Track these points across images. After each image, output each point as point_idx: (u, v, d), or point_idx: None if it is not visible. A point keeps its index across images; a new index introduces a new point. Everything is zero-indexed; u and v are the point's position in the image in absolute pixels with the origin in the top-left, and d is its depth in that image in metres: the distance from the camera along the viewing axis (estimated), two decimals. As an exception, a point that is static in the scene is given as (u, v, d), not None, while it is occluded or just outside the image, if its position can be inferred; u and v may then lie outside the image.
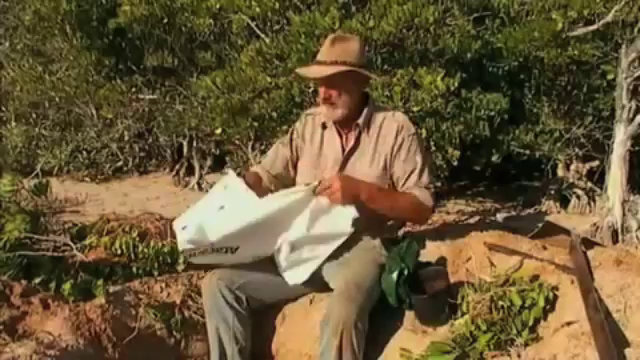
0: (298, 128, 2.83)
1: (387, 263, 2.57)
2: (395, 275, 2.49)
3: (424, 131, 3.68)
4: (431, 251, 2.93)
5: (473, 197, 5.14)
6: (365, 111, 2.67)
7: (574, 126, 4.34)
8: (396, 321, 2.62)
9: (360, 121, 2.66)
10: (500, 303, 2.29)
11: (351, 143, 2.68)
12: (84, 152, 5.74)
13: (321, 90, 2.62)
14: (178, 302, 2.85)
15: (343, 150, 2.70)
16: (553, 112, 4.36)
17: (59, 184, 5.22)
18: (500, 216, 4.49)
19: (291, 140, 2.84)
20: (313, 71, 2.64)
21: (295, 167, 2.85)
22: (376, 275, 2.58)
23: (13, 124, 5.84)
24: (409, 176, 2.65)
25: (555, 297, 2.30)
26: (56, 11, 5.26)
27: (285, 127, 3.92)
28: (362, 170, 2.66)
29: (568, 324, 2.15)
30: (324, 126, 2.75)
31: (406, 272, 2.49)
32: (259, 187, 2.72)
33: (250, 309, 2.69)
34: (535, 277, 2.40)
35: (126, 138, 5.73)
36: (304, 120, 2.84)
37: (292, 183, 2.80)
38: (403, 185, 2.66)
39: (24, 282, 2.79)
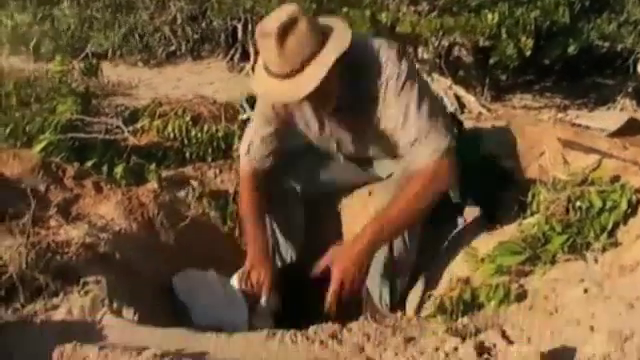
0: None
1: None
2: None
3: (496, 16, 3.40)
4: (499, 145, 2.75)
5: (540, 92, 4.87)
6: (341, 85, 2.09)
7: (663, 16, 3.96)
8: (459, 218, 2.50)
9: (338, 102, 2.15)
10: (578, 204, 2.11)
11: (334, 121, 2.27)
12: (137, 35, 5.62)
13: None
14: (232, 191, 2.77)
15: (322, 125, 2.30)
16: (640, 0, 3.98)
17: (112, 68, 5.15)
18: (571, 113, 4.24)
19: (276, 116, 2.33)
20: (282, 93, 2.01)
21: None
22: None
23: (65, 4, 5.73)
24: (400, 129, 2.09)
25: (638, 201, 2.10)
26: None
27: (345, 9, 3.67)
28: (363, 128, 2.26)
29: (654, 230, 1.97)
30: None
31: (468, 166, 2.32)
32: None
33: (304, 199, 2.58)
34: (616, 178, 2.20)
35: (179, 21, 5.56)
36: None
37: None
38: (401, 140, 2.11)
39: (77, 164, 2.75)
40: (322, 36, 1.97)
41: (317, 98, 2.01)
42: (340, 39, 1.98)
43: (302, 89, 1.95)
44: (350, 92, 2.12)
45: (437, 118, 2.09)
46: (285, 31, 1.90)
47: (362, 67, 2.09)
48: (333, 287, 1.98)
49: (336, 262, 2.01)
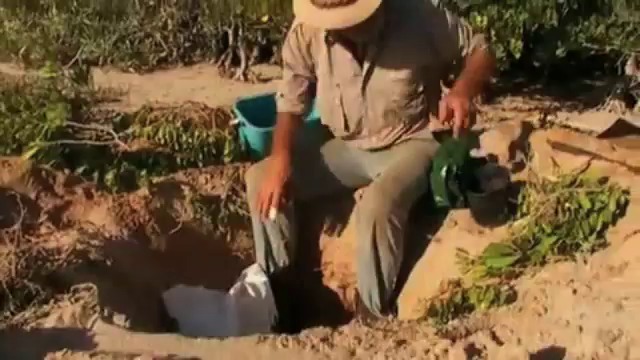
0: (300, 46, 2.49)
1: (434, 161, 2.40)
2: (444, 172, 2.33)
3: (485, 19, 3.41)
4: (488, 148, 2.76)
5: (530, 94, 4.88)
6: (383, 20, 2.33)
7: (651, 18, 3.98)
8: (450, 220, 2.51)
9: (378, 32, 2.35)
10: (567, 205, 2.13)
11: (371, 55, 2.39)
12: (127, 42, 5.60)
13: (349, 31, 2.24)
14: (223, 197, 2.77)
15: (360, 62, 2.43)
16: (628, 2, 3.99)
17: (103, 74, 5.13)
18: (560, 115, 4.25)
19: (297, 62, 2.54)
20: (343, 18, 2.16)
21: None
22: (422, 170, 2.43)
23: (54, 12, 5.71)
24: (460, 43, 2.45)
25: (626, 201, 2.12)
26: None
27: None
28: (390, 76, 2.42)
29: (642, 230, 1.98)
30: (328, 40, 2.42)
31: (455, 168, 2.33)
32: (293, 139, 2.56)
33: (296, 203, 2.59)
34: (604, 179, 2.22)
35: (170, 27, 5.55)
36: (300, 33, 2.48)
37: None
38: (461, 51, 2.46)
39: (67, 171, 2.74)
40: None
41: (367, 26, 2.19)
42: None
43: (369, 5, 2.13)
44: (385, 32, 2.35)
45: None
46: None
47: (406, 10, 2.37)
48: (459, 115, 2.19)
49: (452, 101, 2.22)
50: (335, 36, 2.37)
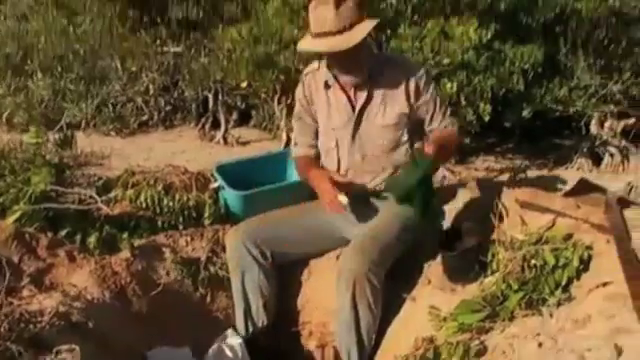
0: (306, 93, 2.74)
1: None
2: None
3: (454, 85, 3.57)
4: (460, 208, 2.87)
5: (502, 154, 5.02)
6: (370, 64, 2.59)
7: (610, 82, 4.18)
8: (424, 279, 2.59)
9: (368, 76, 2.58)
10: (533, 262, 2.23)
11: (362, 100, 2.60)
12: (110, 106, 5.69)
13: (339, 60, 2.52)
14: (203, 259, 2.83)
15: (352, 107, 2.63)
16: (589, 67, 4.20)
17: (85, 138, 5.18)
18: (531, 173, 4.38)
19: (303, 109, 2.77)
20: (336, 44, 2.43)
21: None
22: (398, 230, 2.56)
23: (39, 76, 5.81)
24: (433, 114, 2.65)
25: (589, 257, 2.23)
26: (81, -39, 5.20)
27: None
28: (377, 122, 2.61)
29: (604, 285, 2.07)
30: (327, 85, 2.66)
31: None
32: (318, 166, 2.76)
33: (275, 264, 2.67)
34: (569, 236, 2.33)
35: (151, 92, 5.64)
36: (306, 82, 2.74)
37: None
38: (431, 122, 2.66)
39: (50, 234, 2.79)
40: (365, 12, 2.48)
41: (353, 58, 2.47)
42: (373, 20, 2.49)
43: (353, 38, 2.40)
44: (374, 79, 2.59)
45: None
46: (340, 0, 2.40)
47: (385, 60, 2.66)
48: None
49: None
50: (335, 65, 2.58)
